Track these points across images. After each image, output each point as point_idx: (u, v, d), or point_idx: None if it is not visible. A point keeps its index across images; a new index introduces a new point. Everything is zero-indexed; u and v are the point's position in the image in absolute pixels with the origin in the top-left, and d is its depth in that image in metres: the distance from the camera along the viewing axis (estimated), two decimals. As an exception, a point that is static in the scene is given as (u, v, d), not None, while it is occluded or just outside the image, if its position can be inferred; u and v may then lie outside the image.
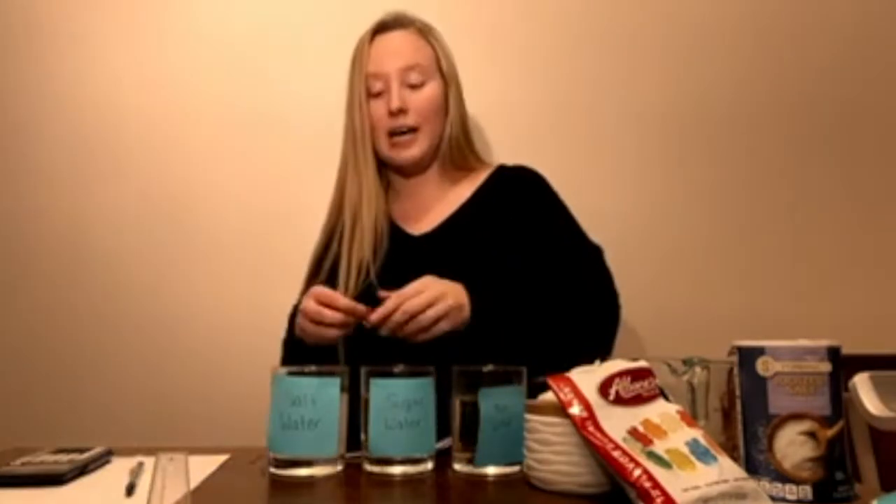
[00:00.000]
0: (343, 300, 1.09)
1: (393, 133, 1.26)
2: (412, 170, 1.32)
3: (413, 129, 1.27)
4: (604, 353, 1.16)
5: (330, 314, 1.08)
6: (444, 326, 1.06)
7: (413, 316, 1.04)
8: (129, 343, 1.59)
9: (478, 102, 1.63)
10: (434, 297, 1.05)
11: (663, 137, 1.66)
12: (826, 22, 1.68)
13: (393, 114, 1.25)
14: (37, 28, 1.65)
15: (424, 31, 1.32)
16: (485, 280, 1.15)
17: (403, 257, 1.23)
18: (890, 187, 1.66)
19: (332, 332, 1.10)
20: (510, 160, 1.63)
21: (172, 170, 1.63)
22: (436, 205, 1.30)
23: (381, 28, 1.31)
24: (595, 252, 1.27)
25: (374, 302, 1.09)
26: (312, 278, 1.28)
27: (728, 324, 1.53)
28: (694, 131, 1.66)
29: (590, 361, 0.85)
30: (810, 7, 1.68)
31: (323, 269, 1.26)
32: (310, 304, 1.10)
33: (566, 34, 1.66)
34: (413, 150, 1.27)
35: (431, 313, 1.05)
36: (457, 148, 1.33)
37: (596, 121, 1.65)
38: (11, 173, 1.63)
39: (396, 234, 1.27)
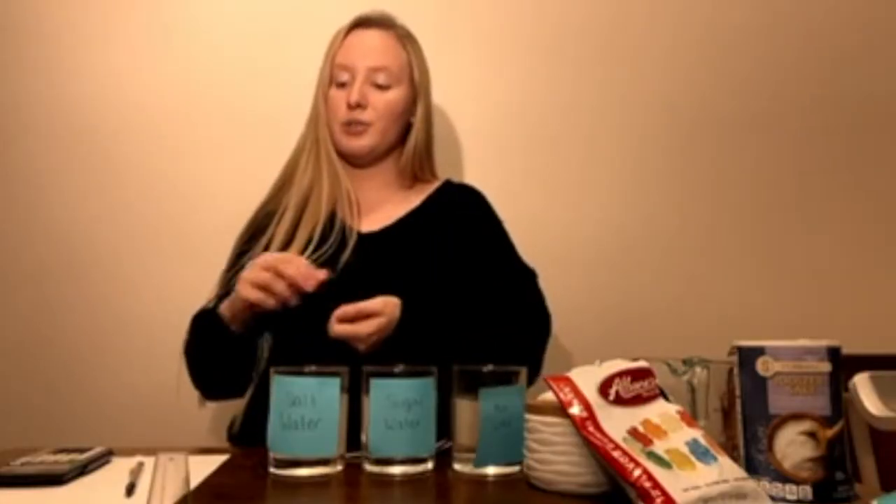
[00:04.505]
0: (294, 266, 1.07)
1: (347, 124, 1.27)
2: (360, 162, 1.31)
3: (367, 125, 1.27)
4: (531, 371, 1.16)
5: (281, 286, 1.06)
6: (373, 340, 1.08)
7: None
8: (129, 343, 1.59)
9: (481, 105, 1.64)
10: (383, 326, 1.07)
11: (664, 138, 1.66)
12: (831, 24, 1.68)
13: (351, 107, 1.26)
14: (35, 26, 1.65)
15: (403, 37, 1.32)
16: (422, 288, 1.16)
17: (349, 252, 1.20)
18: (890, 187, 1.66)
19: (273, 303, 1.08)
20: (512, 162, 1.64)
21: (171, 169, 1.62)
22: (383, 206, 1.30)
23: (362, 23, 1.31)
24: (528, 275, 1.28)
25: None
26: (231, 273, 1.23)
27: (728, 324, 1.53)
28: (694, 131, 1.66)
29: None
30: (815, 8, 1.68)
31: (247, 257, 1.21)
32: (257, 274, 1.07)
33: (567, 36, 1.66)
34: (363, 141, 1.27)
35: (374, 338, 1.07)
36: (417, 159, 1.33)
37: (597, 121, 1.65)
38: (10, 173, 1.62)
39: (342, 227, 1.24)
